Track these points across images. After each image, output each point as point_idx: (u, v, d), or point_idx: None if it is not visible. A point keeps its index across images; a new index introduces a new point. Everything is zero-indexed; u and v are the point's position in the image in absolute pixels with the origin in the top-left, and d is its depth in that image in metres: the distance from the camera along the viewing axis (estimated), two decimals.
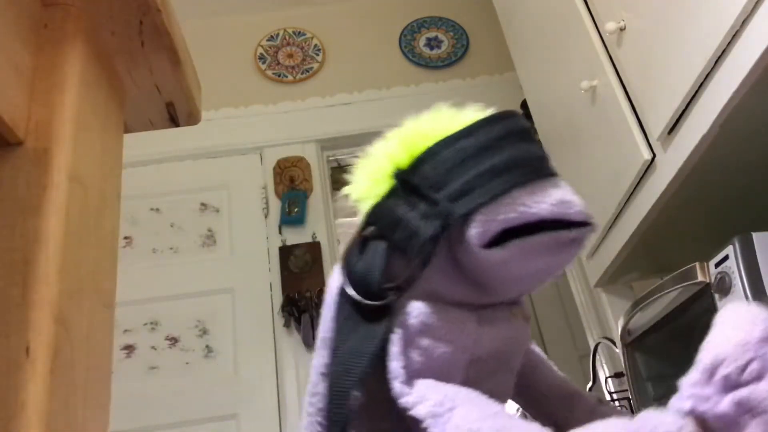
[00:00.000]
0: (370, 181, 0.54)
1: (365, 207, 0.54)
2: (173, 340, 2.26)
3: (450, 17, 2.88)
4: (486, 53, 2.77)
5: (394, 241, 0.51)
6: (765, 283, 0.94)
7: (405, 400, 0.47)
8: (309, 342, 2.19)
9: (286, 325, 2.24)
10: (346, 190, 0.57)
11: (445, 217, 0.49)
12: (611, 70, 1.28)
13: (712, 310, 1.02)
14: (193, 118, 0.57)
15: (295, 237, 2.40)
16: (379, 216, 0.52)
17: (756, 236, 0.97)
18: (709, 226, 1.33)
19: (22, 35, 0.40)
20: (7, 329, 0.34)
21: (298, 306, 2.23)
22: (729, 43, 0.91)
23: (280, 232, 2.41)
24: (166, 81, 0.52)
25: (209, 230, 2.44)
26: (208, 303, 2.31)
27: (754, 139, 1.06)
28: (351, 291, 0.51)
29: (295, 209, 2.42)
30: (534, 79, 1.83)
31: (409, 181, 0.51)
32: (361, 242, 0.53)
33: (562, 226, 0.50)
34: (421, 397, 0.47)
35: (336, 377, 0.49)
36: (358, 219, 0.56)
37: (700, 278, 1.06)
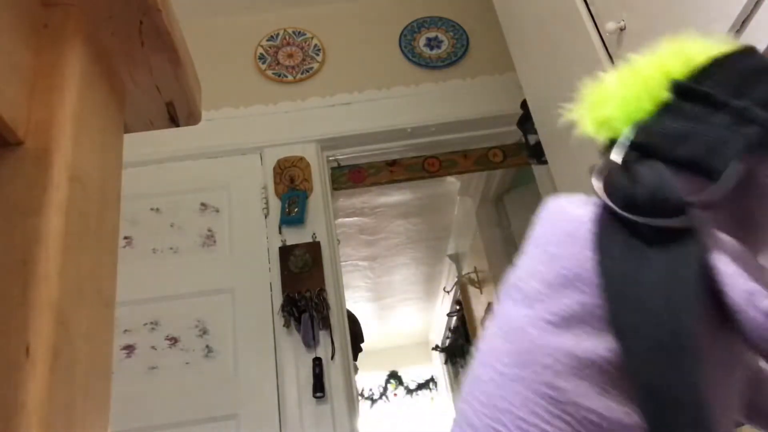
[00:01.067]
0: (626, 98, 0.48)
1: (618, 128, 0.48)
2: (173, 340, 2.26)
3: (450, 17, 2.88)
4: (486, 53, 2.76)
5: (678, 159, 0.45)
6: None
7: None
8: (309, 342, 2.19)
9: (286, 325, 2.24)
10: (586, 111, 0.50)
11: (762, 123, 0.43)
12: (611, 70, 1.28)
13: None
14: (193, 118, 0.57)
15: (295, 237, 2.39)
16: (652, 133, 0.46)
17: None
18: None
19: (22, 35, 0.40)
20: (7, 329, 0.34)
21: (298, 306, 2.23)
22: None
23: (280, 232, 2.41)
24: (166, 81, 0.51)
25: (209, 230, 2.44)
26: (208, 303, 2.31)
27: None
28: (637, 217, 0.44)
29: (295, 209, 2.42)
30: (534, 79, 1.83)
31: (696, 90, 0.45)
32: (623, 167, 0.47)
33: None
34: None
35: (660, 310, 0.43)
36: (604, 142, 0.48)
37: None
